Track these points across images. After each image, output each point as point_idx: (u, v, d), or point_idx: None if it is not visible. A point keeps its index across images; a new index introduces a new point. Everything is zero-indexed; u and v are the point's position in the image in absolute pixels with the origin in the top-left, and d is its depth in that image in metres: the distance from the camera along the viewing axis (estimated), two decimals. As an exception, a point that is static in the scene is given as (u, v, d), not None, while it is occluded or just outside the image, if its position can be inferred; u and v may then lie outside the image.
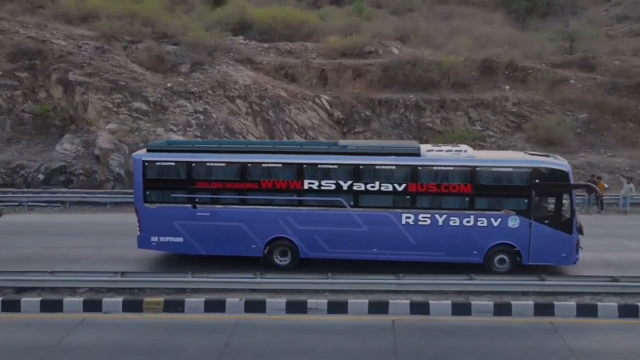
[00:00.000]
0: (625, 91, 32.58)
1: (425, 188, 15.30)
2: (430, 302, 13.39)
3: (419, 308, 13.26)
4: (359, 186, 15.37)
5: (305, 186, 15.45)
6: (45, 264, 15.41)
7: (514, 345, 11.79)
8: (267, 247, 15.83)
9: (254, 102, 29.82)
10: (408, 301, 13.41)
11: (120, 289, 14.00)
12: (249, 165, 15.62)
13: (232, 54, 33.39)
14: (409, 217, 15.38)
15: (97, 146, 26.55)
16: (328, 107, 31.15)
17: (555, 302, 13.38)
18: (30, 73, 29.28)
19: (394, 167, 15.36)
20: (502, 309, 13.25)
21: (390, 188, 15.32)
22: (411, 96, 31.93)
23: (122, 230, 20.61)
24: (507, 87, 33.26)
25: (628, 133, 30.59)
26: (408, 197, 15.35)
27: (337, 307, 13.29)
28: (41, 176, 26.00)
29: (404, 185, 15.29)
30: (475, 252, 15.50)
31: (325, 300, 13.43)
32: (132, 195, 24.54)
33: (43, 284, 14.08)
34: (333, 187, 15.42)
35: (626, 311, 13.20)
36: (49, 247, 18.11)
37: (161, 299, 13.48)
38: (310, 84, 32.61)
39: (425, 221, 15.38)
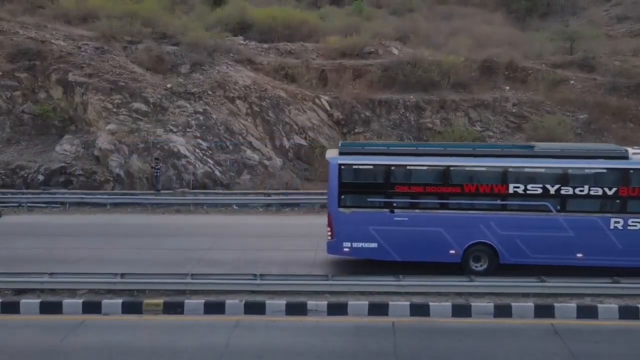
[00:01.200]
0: (625, 91, 32.51)
1: (637, 192, 14.94)
2: (430, 303, 13.39)
3: (419, 309, 13.25)
4: (567, 190, 15.03)
5: (510, 190, 15.10)
6: (45, 265, 15.36)
7: (514, 346, 11.79)
8: (465, 253, 15.46)
9: (254, 103, 29.78)
10: (408, 303, 13.41)
11: (119, 290, 13.99)
12: (451, 168, 15.26)
13: (232, 55, 33.34)
14: (617, 222, 15.03)
15: (97, 147, 26.53)
16: (328, 108, 31.10)
17: (555, 304, 13.38)
18: (30, 74, 29.25)
19: (603, 171, 15.08)
20: (502, 311, 13.25)
21: (600, 192, 15.00)
22: (411, 97, 31.87)
23: (122, 231, 20.72)
24: (507, 88, 33.18)
25: (628, 133, 30.52)
26: (617, 201, 15.02)
27: (337, 309, 13.29)
28: (41, 177, 25.98)
29: (614, 189, 14.95)
30: None
31: (325, 302, 13.44)
32: (133, 196, 25.14)
33: (42, 285, 14.08)
34: (539, 191, 15.07)
35: (627, 313, 13.20)
36: (49, 248, 18.08)
37: (161, 300, 13.47)
38: (310, 85, 32.54)
39: (635, 226, 15.01)
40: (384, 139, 29.53)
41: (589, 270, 15.02)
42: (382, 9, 48.20)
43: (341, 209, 15.39)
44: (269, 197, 25.13)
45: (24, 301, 13.42)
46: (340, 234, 15.46)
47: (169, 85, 29.37)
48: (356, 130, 30.54)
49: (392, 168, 15.35)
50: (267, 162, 27.86)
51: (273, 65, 33.36)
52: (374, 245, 15.42)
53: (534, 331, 12.52)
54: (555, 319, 13.05)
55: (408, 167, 15.41)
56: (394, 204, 15.37)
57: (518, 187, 15.11)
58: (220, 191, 25.84)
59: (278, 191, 25.78)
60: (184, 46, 32.09)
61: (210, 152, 27.23)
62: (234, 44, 34.86)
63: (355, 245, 15.48)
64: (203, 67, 31.06)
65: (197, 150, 27.03)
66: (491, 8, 48.15)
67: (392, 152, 16.00)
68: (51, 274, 14.27)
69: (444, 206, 15.36)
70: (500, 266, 15.42)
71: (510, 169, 15.18)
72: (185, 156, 26.64)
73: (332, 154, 16.04)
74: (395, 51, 35.72)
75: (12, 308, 13.29)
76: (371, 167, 15.48)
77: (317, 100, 31.18)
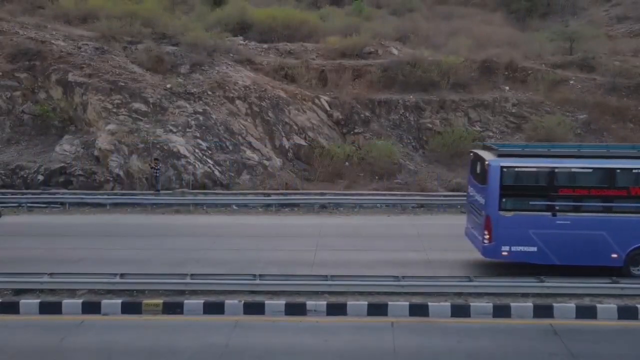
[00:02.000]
0: (625, 91, 32.51)
1: None
2: (430, 303, 13.39)
3: (418, 310, 13.25)
4: None
5: None
6: (45, 265, 15.35)
7: (513, 347, 11.80)
8: (627, 257, 15.10)
9: (254, 103, 29.79)
10: (407, 303, 13.41)
11: (119, 290, 13.99)
12: (617, 171, 14.97)
13: (231, 55, 33.33)
14: None
15: (97, 147, 26.53)
16: (327, 108, 31.10)
17: (554, 304, 13.38)
18: (30, 74, 29.25)
19: None
20: (502, 311, 13.25)
21: None
22: (411, 97, 31.87)
23: (122, 231, 20.73)
24: (507, 88, 33.18)
25: (628, 133, 30.54)
26: None
27: (336, 309, 13.29)
28: (40, 177, 25.98)
29: None
30: None
31: (325, 302, 13.44)
32: (132, 197, 25.11)
33: (42, 285, 14.07)
34: None
35: (626, 313, 13.19)
36: (49, 248, 18.09)
37: (160, 300, 13.48)
38: (310, 85, 32.53)
39: None
40: (383, 139, 29.56)
41: (588, 270, 15.02)
42: (382, 9, 48.17)
43: (501, 212, 15.09)
44: (268, 198, 25.15)
45: (24, 301, 13.41)
46: (499, 237, 15.13)
47: (168, 86, 29.38)
48: (356, 131, 30.55)
49: (556, 170, 15.13)
50: (266, 162, 27.87)
51: (273, 66, 33.36)
52: (533, 249, 15.13)
53: (533, 331, 12.53)
54: (554, 319, 13.05)
55: (572, 170, 15.24)
56: (556, 207, 15.10)
57: None
58: (220, 191, 25.85)
59: (277, 191, 25.80)
60: (184, 46, 32.09)
61: (209, 152, 27.24)
62: (233, 44, 34.86)
63: (514, 249, 15.17)
64: (203, 68, 31.07)
65: (196, 150, 27.04)
66: (491, 8, 48.15)
67: (555, 155, 15.79)
68: (51, 274, 14.28)
69: (607, 209, 15.05)
70: None
71: None
72: (185, 156, 26.64)
73: (489, 156, 15.65)
74: (395, 51, 35.73)
75: (11, 308, 13.29)
76: (534, 169, 15.32)
77: (316, 101, 31.19)
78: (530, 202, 15.20)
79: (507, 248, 15.20)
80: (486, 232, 15.27)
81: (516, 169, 15.29)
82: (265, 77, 32.09)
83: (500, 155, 15.54)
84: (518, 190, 15.31)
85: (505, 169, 15.10)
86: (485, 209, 15.32)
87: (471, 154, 17.01)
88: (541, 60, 35.76)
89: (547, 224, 15.08)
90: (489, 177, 15.14)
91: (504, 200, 15.10)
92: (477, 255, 16.83)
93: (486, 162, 15.28)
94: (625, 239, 15.03)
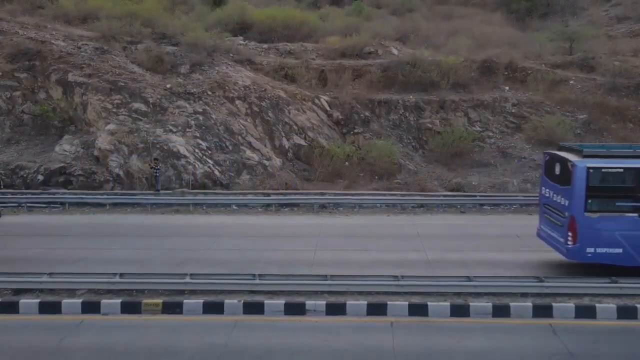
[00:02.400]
0: (625, 91, 32.52)
1: None
2: (429, 303, 13.39)
3: (418, 309, 13.25)
4: None
5: None
6: (45, 265, 15.37)
7: (512, 346, 11.79)
8: None
9: (254, 103, 29.80)
10: (407, 302, 13.41)
11: (118, 290, 14.00)
12: None
13: (231, 55, 33.35)
14: None
15: (97, 147, 26.54)
16: (327, 108, 31.11)
17: (554, 304, 13.38)
18: (30, 74, 29.27)
19: None
20: (501, 311, 13.24)
21: None
22: (411, 97, 31.88)
23: (121, 231, 20.73)
24: (507, 88, 33.19)
25: (628, 133, 30.54)
26: None
27: (335, 309, 13.29)
28: (40, 177, 25.99)
29: None
30: None
31: (324, 302, 13.43)
32: (132, 197, 25.14)
33: (41, 285, 14.09)
34: None
35: (625, 312, 13.19)
36: (49, 248, 18.10)
37: (159, 300, 13.49)
38: (310, 85, 32.55)
39: None
40: (383, 139, 29.56)
41: (587, 269, 15.02)
42: (382, 9, 48.20)
43: (587, 214, 14.91)
44: (268, 197, 25.15)
45: (23, 301, 13.41)
46: (584, 239, 14.88)
47: (168, 86, 29.39)
48: (356, 131, 30.56)
49: None
50: (266, 162, 27.88)
51: (273, 66, 33.38)
52: (618, 250, 14.94)
53: (532, 331, 12.53)
54: (553, 318, 13.05)
55: None
56: None
57: None
58: (220, 191, 25.85)
59: (277, 191, 25.80)
60: (184, 46, 32.11)
61: (209, 152, 27.25)
62: (233, 44, 34.88)
63: (599, 250, 14.97)
64: (203, 68, 31.08)
65: (196, 150, 27.05)
66: (491, 8, 48.21)
67: (637, 155, 15.61)
68: (50, 273, 14.29)
69: None
70: None
71: None
72: (185, 156, 26.65)
73: (574, 157, 15.45)
74: (395, 51, 35.75)
75: (11, 308, 13.29)
76: (621, 170, 15.12)
77: (316, 101, 31.20)
78: (617, 203, 15.03)
79: (592, 250, 14.99)
80: (570, 234, 15.07)
81: (602, 170, 15.11)
82: (265, 77, 32.10)
83: (585, 156, 15.32)
84: (604, 191, 15.10)
85: (591, 170, 14.92)
86: (570, 210, 15.12)
87: (546, 156, 16.92)
88: (541, 60, 35.77)
89: (633, 225, 14.91)
90: (575, 178, 14.93)
91: (589, 201, 14.89)
92: (476, 255, 16.88)
93: (571, 163, 15.12)
94: None
